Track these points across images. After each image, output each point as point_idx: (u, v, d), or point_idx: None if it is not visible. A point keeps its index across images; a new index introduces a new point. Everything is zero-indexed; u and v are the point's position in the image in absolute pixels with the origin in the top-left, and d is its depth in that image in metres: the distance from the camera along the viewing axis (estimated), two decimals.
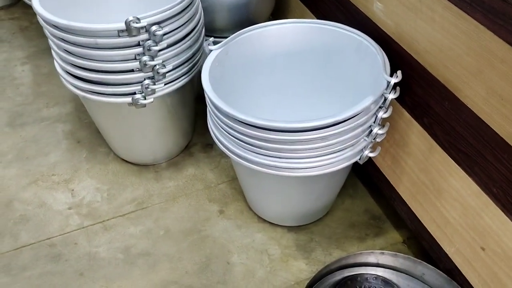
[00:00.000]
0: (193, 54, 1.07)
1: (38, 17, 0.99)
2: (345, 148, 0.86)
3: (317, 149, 0.83)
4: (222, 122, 0.87)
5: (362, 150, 0.89)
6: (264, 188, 1.02)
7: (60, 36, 0.96)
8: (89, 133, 1.35)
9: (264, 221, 1.11)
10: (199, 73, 1.11)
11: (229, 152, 0.91)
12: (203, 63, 1.12)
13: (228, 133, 0.88)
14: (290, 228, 1.10)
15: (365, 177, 1.17)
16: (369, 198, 1.16)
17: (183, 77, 1.06)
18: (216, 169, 1.25)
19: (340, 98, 1.03)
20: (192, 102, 1.21)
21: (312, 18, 1.24)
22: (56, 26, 0.95)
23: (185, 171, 1.25)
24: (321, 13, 1.18)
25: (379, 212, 1.13)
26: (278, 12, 1.36)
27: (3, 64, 1.62)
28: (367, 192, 1.17)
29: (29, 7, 1.90)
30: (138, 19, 0.90)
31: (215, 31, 1.24)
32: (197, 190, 1.20)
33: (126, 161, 1.27)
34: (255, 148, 0.86)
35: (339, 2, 1.08)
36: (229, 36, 1.24)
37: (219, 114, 0.87)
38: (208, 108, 0.93)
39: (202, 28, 1.10)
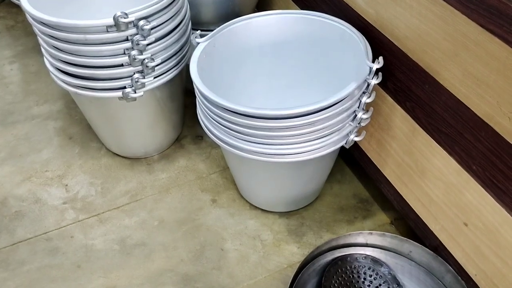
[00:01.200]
0: (181, 47, 1.09)
1: (26, 15, 1.01)
2: (332, 133, 0.89)
3: (304, 135, 0.87)
4: (212, 112, 0.90)
5: (347, 135, 0.92)
6: (254, 175, 1.05)
7: (49, 33, 0.97)
8: (80, 129, 1.37)
9: (256, 208, 1.14)
10: (187, 66, 1.13)
11: (219, 141, 0.93)
12: (191, 56, 1.15)
13: (218, 123, 0.91)
14: (281, 214, 1.13)
15: (352, 162, 1.20)
16: (356, 182, 1.19)
17: (171, 70, 1.09)
18: (207, 160, 1.27)
19: (326, 86, 1.06)
20: (181, 94, 1.24)
21: (296, 9, 1.27)
22: (45, 24, 0.97)
23: (176, 162, 1.27)
24: (305, 4, 1.21)
25: (366, 195, 1.16)
26: (263, 4, 1.38)
27: None
28: (355, 177, 1.20)
29: (14, 6, 1.91)
30: (126, 14, 0.92)
31: (201, 24, 1.26)
32: (189, 181, 1.22)
33: (118, 155, 1.29)
34: (244, 136, 0.88)
35: None
36: (215, 29, 1.27)
37: (208, 104, 0.90)
38: (198, 99, 0.96)
39: (189, 21, 1.13)
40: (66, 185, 1.22)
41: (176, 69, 1.09)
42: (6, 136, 1.36)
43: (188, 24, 1.12)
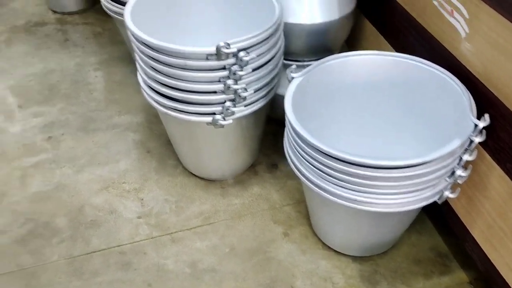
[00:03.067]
0: (272, 78, 1.09)
1: (129, 33, 1.04)
2: (426, 188, 0.86)
3: (399, 187, 0.84)
4: (303, 150, 0.89)
5: (442, 191, 0.89)
6: (334, 217, 1.03)
7: (149, 54, 1.00)
8: (158, 144, 1.39)
9: (329, 248, 1.12)
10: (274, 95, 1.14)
11: (306, 180, 0.92)
12: (279, 86, 1.15)
13: (308, 162, 0.89)
14: (354, 258, 1.10)
15: (433, 214, 1.16)
16: (436, 235, 1.15)
17: (261, 100, 1.08)
18: (281, 190, 1.26)
19: (419, 134, 1.03)
20: (264, 123, 1.23)
21: (388, 48, 1.24)
22: (147, 45, 0.99)
23: (250, 189, 1.26)
24: (400, 45, 1.18)
25: (446, 250, 1.11)
26: (353, 38, 1.37)
27: (77, 68, 1.69)
28: (435, 229, 1.16)
29: (102, 12, 1.95)
30: (229, 44, 0.93)
31: (289, 54, 1.26)
32: (262, 210, 1.21)
33: (194, 175, 1.30)
34: (334, 179, 0.87)
35: (421, 37, 1.08)
36: (302, 60, 1.26)
37: (300, 142, 0.89)
38: (288, 135, 0.95)
39: (282, 53, 1.12)
40: (142, 199, 1.24)
41: (265, 99, 1.09)
42: (87, 142, 1.40)
43: (281, 56, 1.12)
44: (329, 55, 1.29)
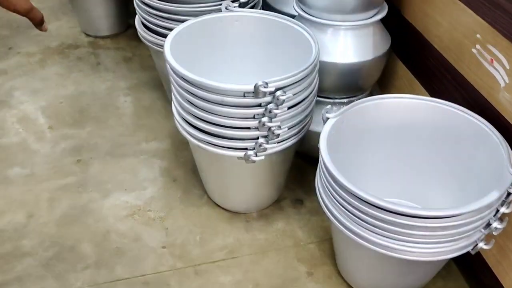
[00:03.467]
0: (305, 116, 1.09)
1: (167, 66, 1.05)
2: (460, 238, 0.85)
3: (434, 236, 0.83)
4: (337, 193, 0.88)
5: (476, 242, 0.87)
6: (362, 259, 1.02)
7: (187, 88, 1.01)
8: (184, 172, 1.40)
9: None
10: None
11: (338, 224, 0.91)
12: (311, 123, 1.16)
13: (341, 205, 0.89)
14: None
15: (460, 260, 1.14)
16: (462, 282, 1.13)
17: (294, 137, 1.09)
18: (306, 227, 1.25)
19: (449, 181, 1.03)
20: (292, 159, 1.24)
21: (421, 90, 1.25)
22: (185, 79, 1.00)
23: (275, 225, 1.26)
24: (434, 89, 1.18)
25: None
26: (384, 78, 1.37)
27: (107, 92, 1.72)
28: (461, 276, 1.14)
29: (133, 38, 2.01)
30: (267, 83, 0.94)
31: (320, 91, 1.26)
32: (286, 247, 1.20)
33: (219, 206, 1.30)
34: (368, 225, 0.86)
35: (457, 83, 1.08)
36: (333, 97, 1.27)
37: (334, 185, 0.88)
38: (322, 176, 0.95)
39: (316, 91, 1.13)
40: (167, 228, 1.24)
41: (298, 136, 1.10)
42: (114, 168, 1.41)
43: (315, 94, 1.12)
44: (360, 94, 1.31)
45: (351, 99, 1.29)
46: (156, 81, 1.71)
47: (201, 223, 1.26)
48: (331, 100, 1.28)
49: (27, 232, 1.23)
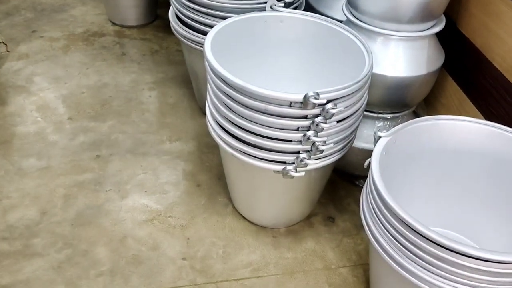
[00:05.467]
0: (352, 131, 1.00)
1: (207, 65, 0.97)
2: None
3: (491, 282, 0.74)
4: (387, 222, 0.79)
5: None
6: None
7: (226, 91, 0.92)
8: (209, 178, 1.31)
9: None
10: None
11: (386, 256, 0.82)
12: (354, 138, 1.07)
13: (390, 233, 0.80)
14: None
15: None
16: None
17: (337, 153, 1.00)
18: (337, 249, 1.16)
19: (504, 213, 0.93)
20: (329, 175, 1.14)
21: (473, 110, 1.15)
22: (225, 82, 0.91)
23: (304, 243, 1.17)
24: (489, 111, 1.09)
25: None
26: (432, 96, 1.27)
27: (131, 85, 1.63)
28: None
29: (161, 30, 1.93)
30: (318, 94, 0.85)
31: (367, 105, 1.17)
32: (316, 269, 1.11)
33: (244, 218, 1.21)
34: (418, 259, 0.77)
35: None
36: (377, 112, 1.18)
37: (385, 211, 0.79)
38: (369, 198, 0.86)
39: (365, 105, 1.04)
40: (188, 238, 1.15)
41: (342, 152, 1.01)
42: (134, 167, 1.33)
43: (364, 109, 1.03)
44: (406, 110, 1.22)
45: (395, 114, 1.20)
46: (184, 77, 1.62)
47: (225, 235, 1.17)
48: (374, 115, 1.19)
49: (39, 230, 1.15)
